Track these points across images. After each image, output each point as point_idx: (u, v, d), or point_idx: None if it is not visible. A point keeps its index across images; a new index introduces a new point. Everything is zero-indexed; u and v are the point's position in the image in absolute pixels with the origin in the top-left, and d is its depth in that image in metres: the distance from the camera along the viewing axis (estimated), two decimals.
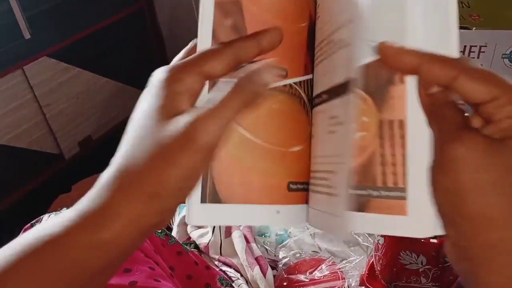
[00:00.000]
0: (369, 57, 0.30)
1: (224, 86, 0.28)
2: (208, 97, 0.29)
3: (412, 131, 0.30)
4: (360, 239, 0.75)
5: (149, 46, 1.66)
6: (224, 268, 0.72)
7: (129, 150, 0.27)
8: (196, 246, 0.77)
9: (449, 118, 0.28)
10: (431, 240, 0.57)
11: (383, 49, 0.29)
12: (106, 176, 0.27)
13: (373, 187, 0.31)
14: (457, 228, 0.27)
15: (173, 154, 0.25)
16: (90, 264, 0.26)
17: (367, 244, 0.74)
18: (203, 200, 0.31)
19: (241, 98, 0.27)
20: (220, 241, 0.75)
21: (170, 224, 0.84)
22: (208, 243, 0.76)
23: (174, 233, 0.82)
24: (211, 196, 0.32)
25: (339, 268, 0.70)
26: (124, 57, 1.53)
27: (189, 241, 0.79)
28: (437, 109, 0.29)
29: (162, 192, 0.26)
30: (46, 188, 1.35)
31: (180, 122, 0.26)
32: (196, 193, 0.31)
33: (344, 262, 0.71)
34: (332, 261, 0.71)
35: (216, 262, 0.74)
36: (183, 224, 0.82)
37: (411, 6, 0.30)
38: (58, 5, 1.32)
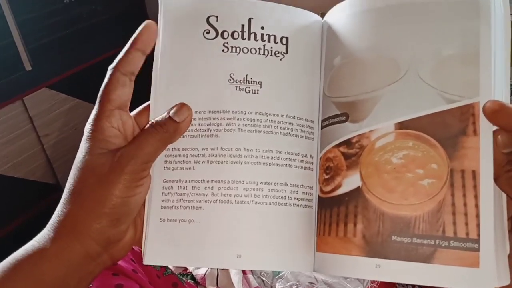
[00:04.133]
0: (439, 107, 0.31)
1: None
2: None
3: (485, 183, 0.30)
4: None
5: (147, 78, 1.67)
6: None
7: (71, 183, 0.34)
8: (193, 277, 0.77)
9: None
10: None
11: (491, 107, 0.30)
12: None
13: (442, 237, 0.31)
14: None
15: (107, 178, 0.32)
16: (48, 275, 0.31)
17: None
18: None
19: (157, 138, 0.33)
20: (216, 272, 0.75)
21: None
22: (204, 274, 0.75)
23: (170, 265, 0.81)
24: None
25: None
26: None
27: (185, 272, 0.78)
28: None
29: (97, 210, 0.32)
30: (42, 219, 1.33)
31: (112, 154, 0.33)
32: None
33: None
34: None
35: None
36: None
37: (484, 60, 0.31)
38: (59, 39, 1.34)
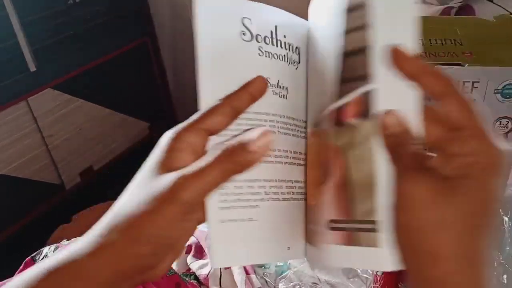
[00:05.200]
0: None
1: (216, 149, 0.31)
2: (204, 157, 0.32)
3: (381, 168, 0.31)
4: (359, 271, 0.75)
5: (152, 79, 1.69)
6: None
7: (125, 197, 0.31)
8: (196, 277, 0.77)
9: (407, 159, 0.30)
10: None
11: (395, 52, 0.30)
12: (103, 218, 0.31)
13: (350, 220, 0.33)
14: (410, 263, 0.29)
15: (156, 204, 0.29)
16: None
17: (366, 275, 0.74)
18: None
19: (224, 166, 0.30)
20: (219, 272, 0.75)
21: None
22: (207, 275, 0.75)
23: (173, 264, 0.81)
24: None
25: None
26: (126, 89, 1.56)
27: (188, 272, 0.78)
28: (397, 150, 0.30)
29: (141, 237, 0.29)
30: (46, 219, 1.35)
31: (168, 177, 0.29)
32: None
33: None
34: None
35: None
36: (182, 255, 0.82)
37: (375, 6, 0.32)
38: (64, 40, 1.35)
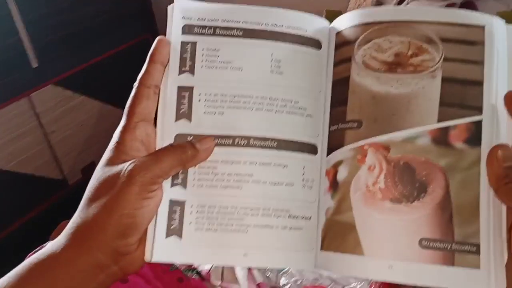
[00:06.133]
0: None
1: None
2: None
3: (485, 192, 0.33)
4: None
5: None
6: None
7: (88, 192, 0.35)
8: (198, 273, 0.77)
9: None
10: None
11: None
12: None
13: (449, 240, 0.34)
14: None
15: (118, 186, 0.33)
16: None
17: None
18: None
19: (176, 156, 0.34)
20: (221, 267, 0.76)
21: None
22: (209, 270, 0.76)
23: None
24: None
25: None
26: (128, 85, 1.54)
27: (190, 268, 0.79)
28: (503, 181, 0.32)
29: (107, 221, 0.32)
30: (49, 215, 1.35)
31: (126, 163, 0.34)
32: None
33: None
34: None
35: None
36: None
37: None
38: (66, 37, 1.35)
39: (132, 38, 1.56)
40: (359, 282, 0.72)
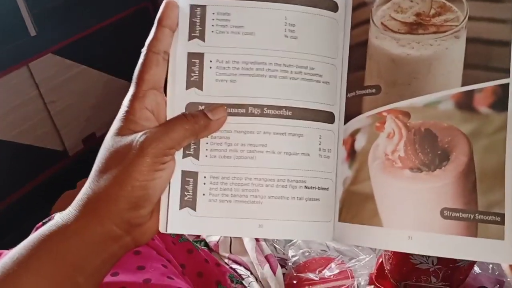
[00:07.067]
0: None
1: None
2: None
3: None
4: None
5: None
6: (234, 266, 0.72)
7: (98, 162, 0.34)
8: (206, 244, 0.78)
9: None
10: None
11: None
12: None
13: (473, 210, 0.32)
14: None
15: (130, 157, 0.32)
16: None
17: None
18: None
19: (188, 126, 0.34)
20: (230, 239, 0.76)
21: None
22: (218, 241, 0.76)
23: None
24: None
25: (349, 267, 0.70)
26: (129, 54, 1.52)
27: (198, 239, 0.79)
28: None
29: (120, 192, 0.32)
30: (50, 185, 1.35)
31: (137, 134, 0.33)
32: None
33: (353, 261, 0.71)
34: (341, 260, 0.71)
35: (226, 260, 0.74)
36: None
37: None
38: (64, 3, 1.31)
39: (131, 6, 1.52)
40: (367, 255, 0.72)
